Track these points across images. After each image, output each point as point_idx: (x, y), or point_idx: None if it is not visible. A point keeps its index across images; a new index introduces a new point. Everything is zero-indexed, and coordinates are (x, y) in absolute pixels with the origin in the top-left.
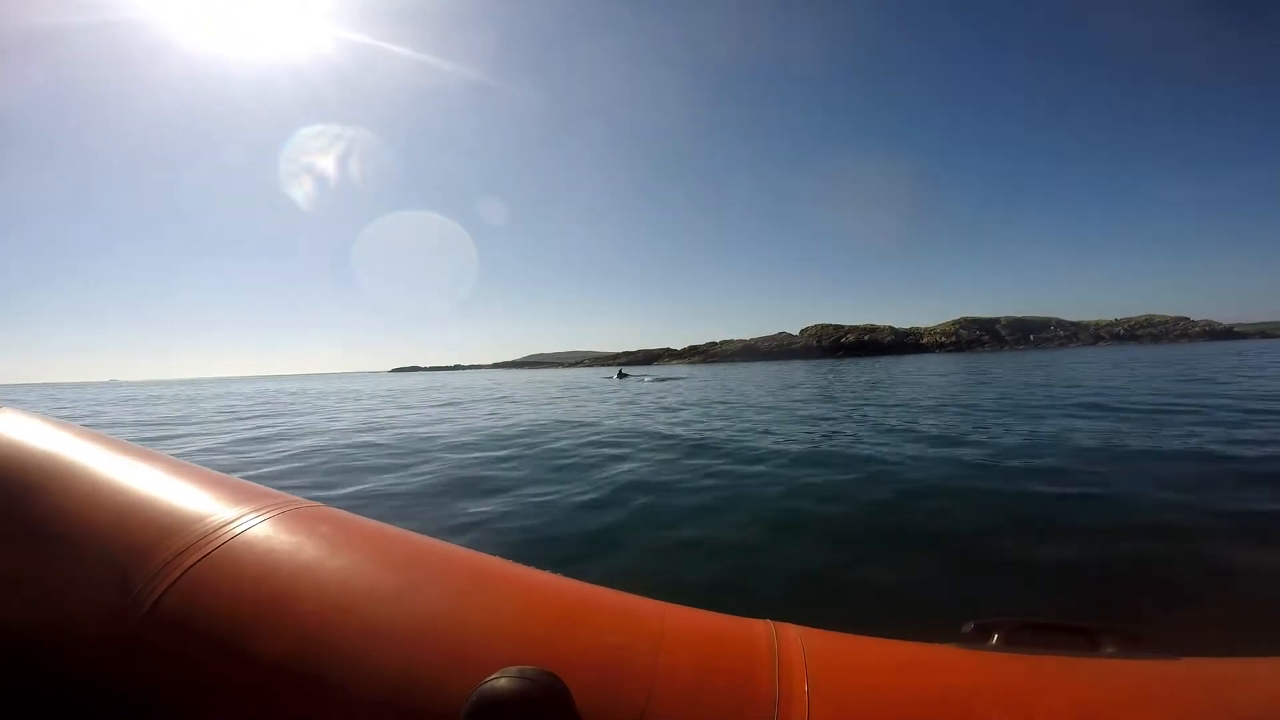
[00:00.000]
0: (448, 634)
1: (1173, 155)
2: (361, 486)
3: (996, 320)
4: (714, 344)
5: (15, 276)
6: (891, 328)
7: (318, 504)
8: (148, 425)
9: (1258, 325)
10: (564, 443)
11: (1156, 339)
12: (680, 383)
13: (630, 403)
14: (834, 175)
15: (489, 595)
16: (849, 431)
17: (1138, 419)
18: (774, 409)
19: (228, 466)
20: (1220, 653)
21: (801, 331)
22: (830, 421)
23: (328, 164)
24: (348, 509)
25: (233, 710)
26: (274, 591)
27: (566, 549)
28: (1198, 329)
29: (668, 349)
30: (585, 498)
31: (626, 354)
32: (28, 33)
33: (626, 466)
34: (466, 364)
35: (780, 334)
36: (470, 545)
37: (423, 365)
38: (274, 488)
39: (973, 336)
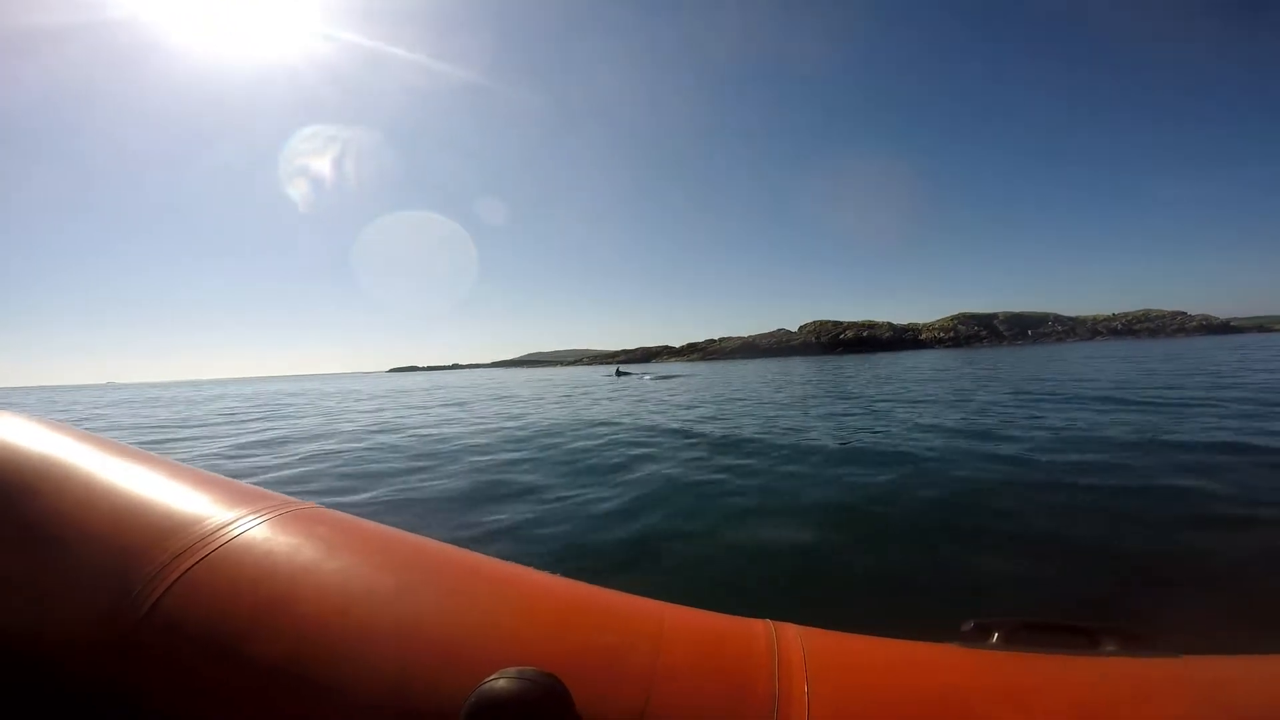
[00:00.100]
0: (446, 635)
1: (1169, 152)
2: (381, 491)
3: (994, 316)
4: (712, 341)
5: (9, 277)
6: (890, 324)
7: (316, 505)
8: (149, 429)
9: (1254, 319)
10: (585, 443)
11: (1153, 334)
12: (683, 380)
13: (642, 400)
14: (832, 174)
15: (487, 596)
16: (878, 428)
17: (1163, 412)
18: (789, 406)
19: (236, 471)
20: (1222, 651)
21: (800, 328)
22: (853, 418)
23: (324, 165)
24: (369, 515)
25: (231, 713)
26: (272, 593)
27: (610, 556)
28: (1195, 324)
29: (666, 346)
30: (620, 500)
31: (625, 352)
32: (20, 32)
33: (656, 466)
34: (464, 363)
35: (779, 331)
36: (505, 554)
37: (420, 365)
38: (287, 493)
39: (971, 332)
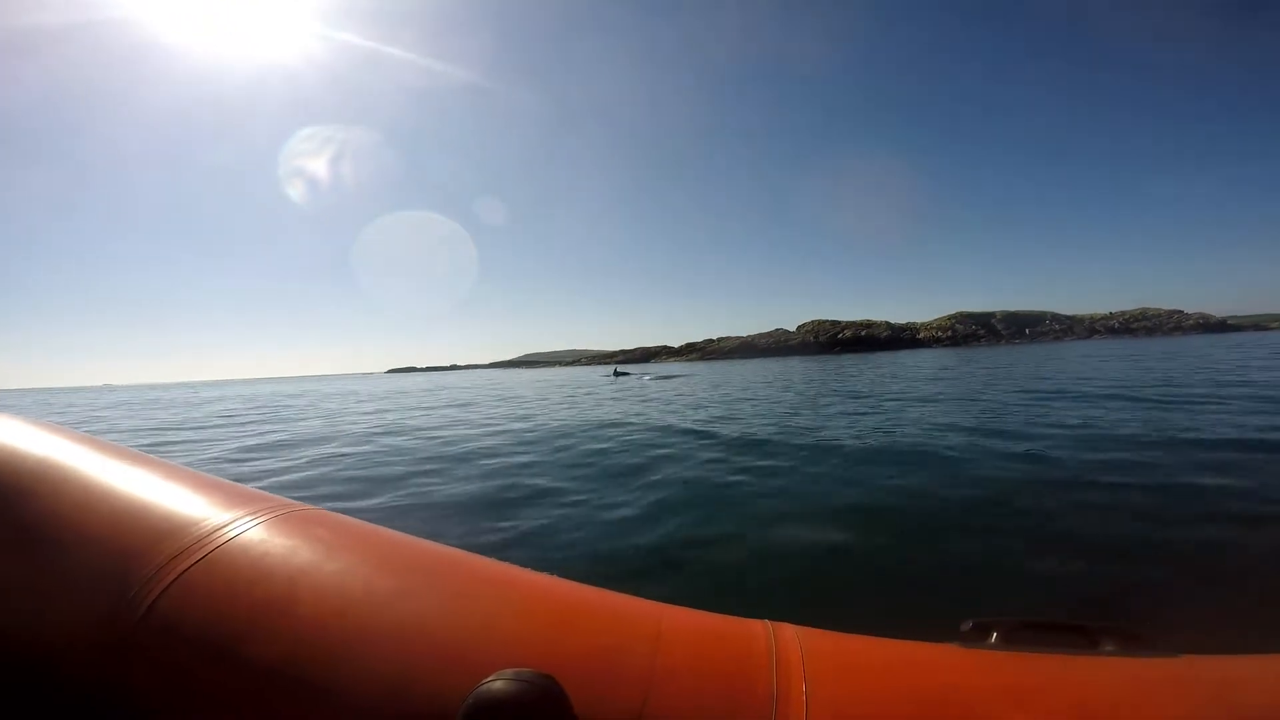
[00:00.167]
0: (444, 636)
1: (1167, 151)
2: (393, 495)
3: (992, 315)
4: (711, 341)
5: (3, 277)
6: (888, 323)
7: (313, 507)
8: (150, 431)
9: (1251, 318)
10: (599, 444)
11: (1150, 332)
12: (684, 380)
13: (649, 401)
14: (831, 173)
15: (485, 597)
16: (893, 427)
17: (1174, 409)
18: (800, 405)
19: (244, 475)
20: (1221, 650)
21: (798, 328)
22: (866, 416)
23: (322, 166)
24: (383, 520)
25: (228, 714)
26: (269, 595)
27: (635, 564)
28: (1192, 322)
29: (665, 346)
30: (642, 504)
31: (623, 352)
32: (18, 31)
33: (675, 468)
34: (463, 364)
35: (777, 330)
36: (528, 561)
37: (419, 366)
38: (296, 497)
39: (968, 331)
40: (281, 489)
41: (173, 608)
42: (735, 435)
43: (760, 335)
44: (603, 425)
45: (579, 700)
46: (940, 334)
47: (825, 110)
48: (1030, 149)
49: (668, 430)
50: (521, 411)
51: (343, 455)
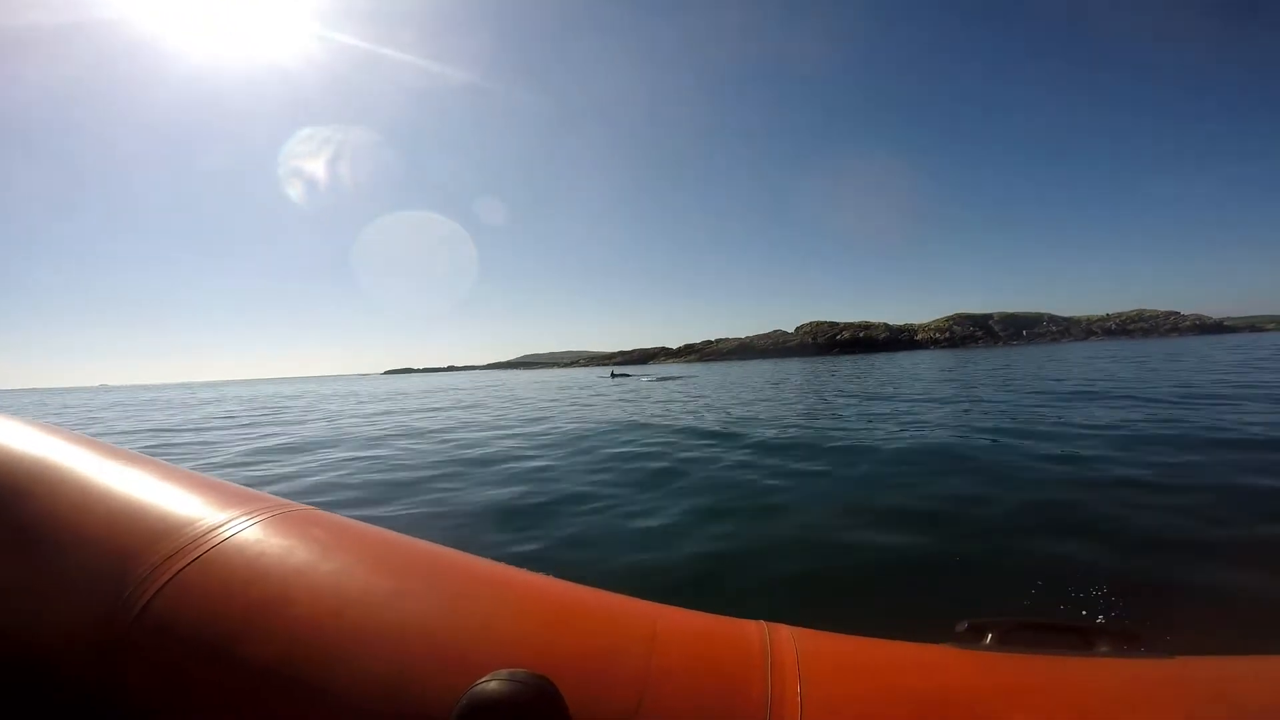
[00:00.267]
0: (439, 636)
1: (1164, 150)
2: (416, 500)
3: (989, 316)
4: (709, 342)
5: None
6: (886, 324)
7: (309, 507)
8: (152, 434)
9: (1247, 319)
10: (623, 448)
11: (1147, 333)
12: (688, 382)
13: (661, 402)
14: (829, 173)
15: (481, 597)
16: (920, 427)
17: (1198, 409)
18: (817, 407)
19: (257, 480)
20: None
21: (796, 329)
22: (889, 418)
23: (321, 166)
24: (411, 528)
25: (223, 714)
26: (264, 595)
27: (680, 575)
28: (1188, 323)
29: (663, 348)
30: (680, 509)
31: (622, 353)
32: (16, 31)
33: (708, 471)
34: (460, 365)
35: (775, 331)
36: (568, 573)
37: (416, 367)
38: (311, 503)
39: (966, 332)
40: (297, 495)
41: (168, 608)
42: (761, 437)
43: (759, 337)
44: (621, 427)
45: (574, 701)
46: (938, 335)
47: (825, 110)
48: (1030, 149)
49: (689, 432)
50: (532, 414)
51: (356, 459)
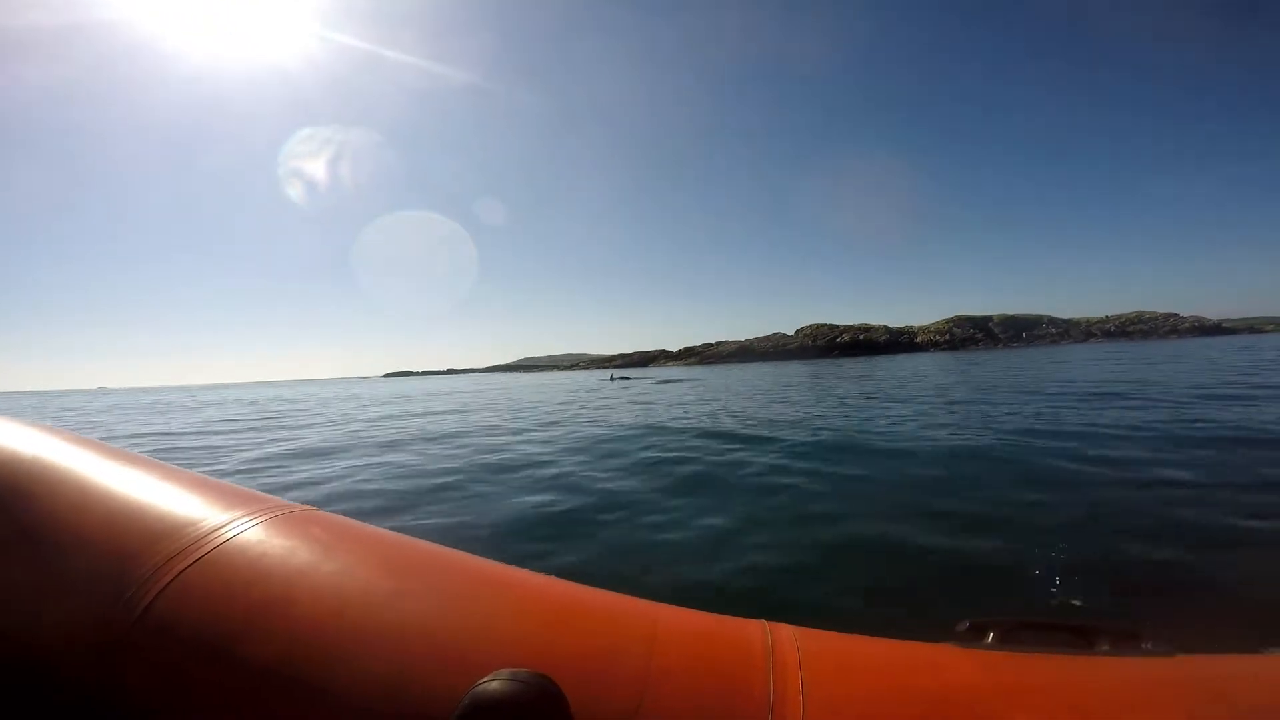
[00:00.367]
0: (440, 637)
1: (1161, 151)
2: (446, 508)
3: (989, 318)
4: (709, 345)
5: None
6: (886, 327)
7: (310, 508)
8: (153, 438)
9: (1246, 320)
10: (652, 453)
11: (1146, 335)
12: (693, 384)
13: (675, 405)
14: (829, 174)
15: (482, 597)
16: (952, 429)
17: (1215, 408)
18: (841, 410)
19: (274, 487)
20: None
21: (797, 331)
22: (910, 419)
23: (320, 167)
24: (442, 539)
25: (225, 715)
26: (266, 595)
27: (746, 583)
28: (1187, 325)
29: (663, 350)
30: (725, 516)
31: (621, 356)
32: (15, 32)
33: (745, 475)
34: (459, 367)
35: (775, 334)
36: (619, 585)
37: (416, 369)
38: (332, 509)
39: (966, 335)
40: (320, 502)
41: (169, 609)
42: (788, 441)
43: (759, 339)
44: (640, 431)
45: (575, 700)
46: (938, 338)
47: (824, 110)
48: (1030, 149)
49: (711, 435)
50: (545, 418)
51: (375, 465)
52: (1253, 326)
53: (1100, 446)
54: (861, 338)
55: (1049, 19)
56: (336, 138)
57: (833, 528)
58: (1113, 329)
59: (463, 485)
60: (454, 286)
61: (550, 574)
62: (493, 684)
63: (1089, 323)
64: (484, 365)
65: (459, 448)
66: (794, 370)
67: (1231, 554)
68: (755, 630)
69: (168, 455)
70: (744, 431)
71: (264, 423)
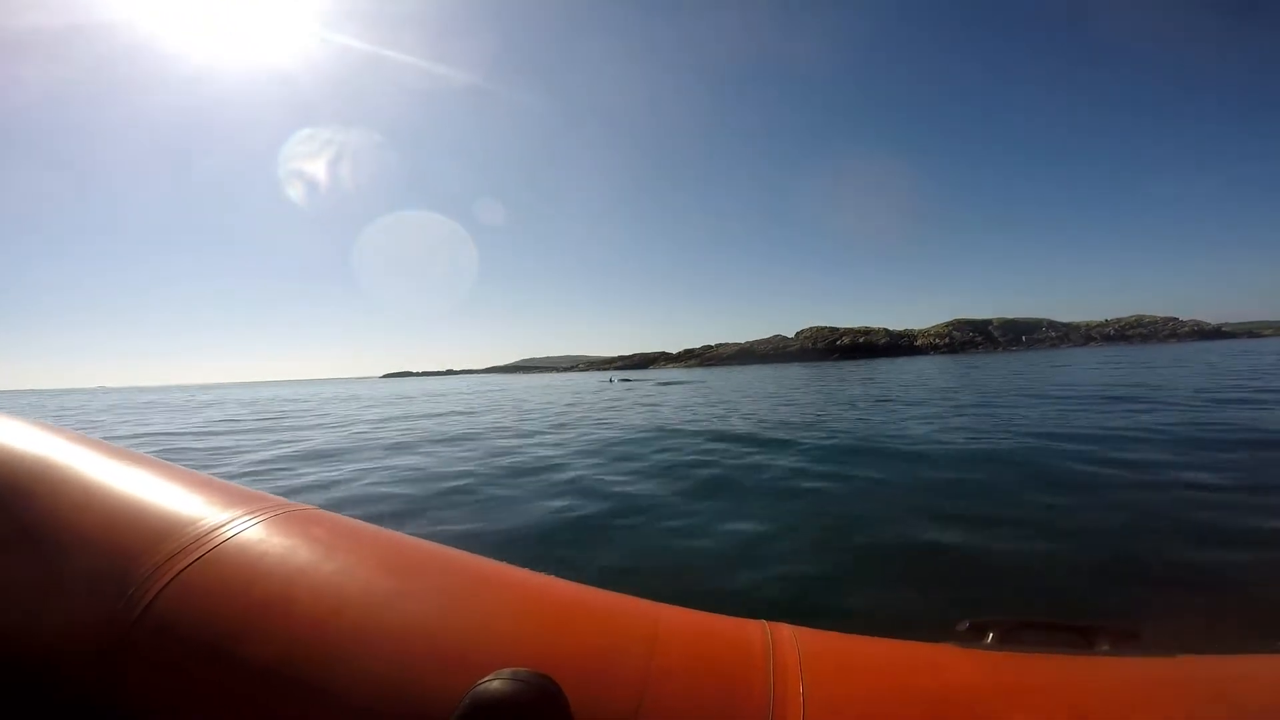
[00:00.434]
0: (441, 636)
1: (1159, 152)
2: (463, 513)
3: (989, 322)
4: (709, 347)
5: None
6: (886, 330)
7: (311, 507)
8: (156, 439)
9: (1245, 324)
10: (667, 455)
11: (1146, 339)
12: (697, 386)
13: (683, 408)
14: (828, 174)
15: (483, 597)
16: (970, 432)
17: (1226, 410)
18: (852, 413)
19: (286, 489)
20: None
21: (796, 334)
22: (924, 421)
23: (318, 168)
24: (467, 545)
25: (225, 714)
26: (267, 594)
27: (793, 592)
28: (1186, 329)
29: (663, 353)
30: (756, 520)
31: (621, 358)
32: (11, 32)
33: (768, 478)
34: (458, 368)
35: (775, 336)
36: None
37: (415, 370)
38: (350, 514)
39: (966, 338)
40: (335, 505)
41: (170, 608)
42: (806, 443)
43: (759, 341)
44: (652, 434)
45: (576, 700)
46: (938, 341)
47: (825, 110)
48: (1030, 149)
49: (726, 438)
50: (553, 419)
51: (386, 467)
52: (1251, 331)
53: (1118, 449)
54: (861, 340)
55: (1049, 19)
56: (336, 138)
57: (861, 531)
58: (1112, 333)
59: (478, 488)
60: (453, 287)
61: (555, 575)
62: (493, 684)
63: (1089, 326)
64: (483, 366)
65: (469, 450)
66: (796, 373)
67: (1269, 554)
68: (755, 630)
69: (172, 457)
70: (758, 434)
71: (266, 424)
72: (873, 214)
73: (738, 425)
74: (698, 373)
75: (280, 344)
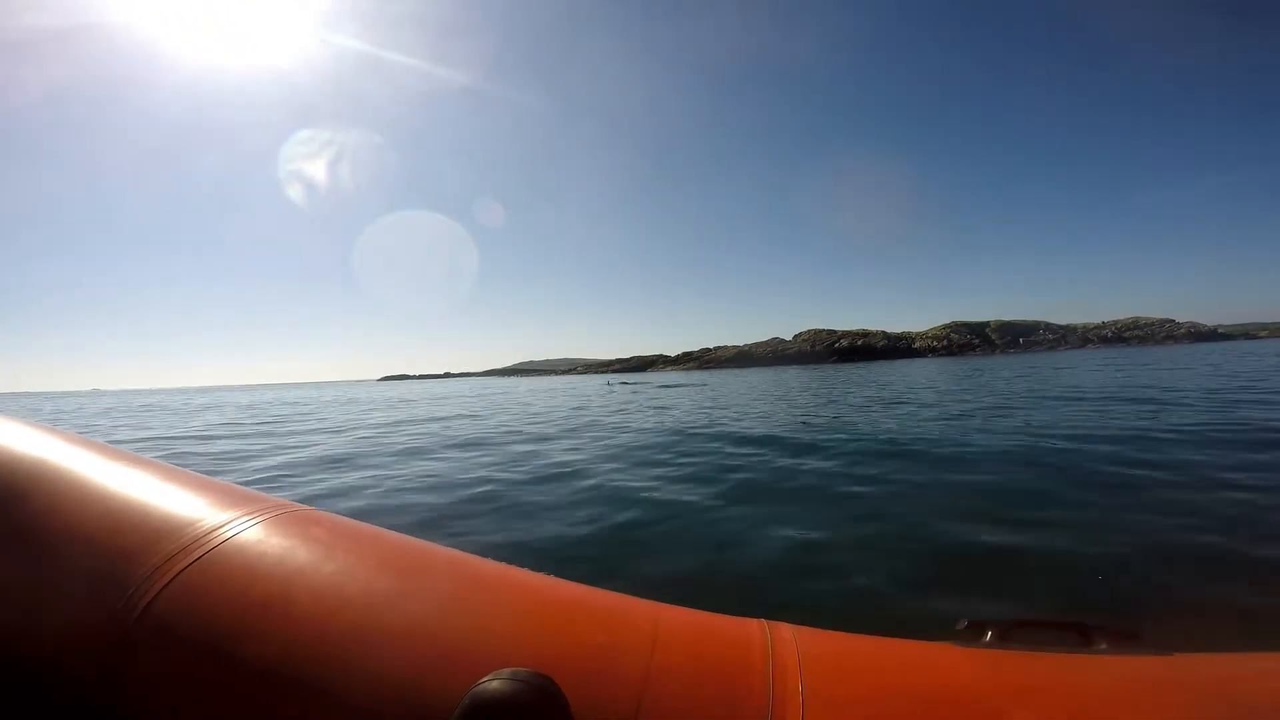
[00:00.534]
0: (441, 636)
1: (1156, 154)
2: (494, 521)
3: (986, 324)
4: (708, 350)
5: None
6: (884, 332)
7: (310, 508)
8: (160, 442)
9: (1240, 326)
10: (694, 458)
11: (1143, 341)
12: (700, 390)
13: (696, 411)
14: (826, 177)
15: (483, 597)
16: (997, 434)
17: (1246, 409)
18: (869, 416)
19: (310, 497)
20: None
21: (795, 337)
22: (951, 422)
23: (316, 169)
24: (512, 558)
25: (223, 715)
26: (266, 595)
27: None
28: (1183, 331)
29: (661, 355)
30: (802, 525)
31: (619, 360)
32: (9, 33)
33: (806, 483)
34: (456, 372)
35: (774, 339)
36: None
37: (412, 373)
38: (385, 524)
39: (964, 340)
40: (361, 514)
41: (169, 608)
42: (833, 446)
43: (757, 344)
44: (672, 438)
45: (575, 700)
46: (936, 343)
47: (824, 110)
48: (1029, 150)
49: (749, 441)
50: (566, 423)
51: (406, 473)
52: (1247, 333)
53: (1154, 450)
54: (860, 343)
55: (1049, 19)
56: (336, 139)
57: (925, 536)
58: (1110, 335)
59: (504, 494)
60: (453, 287)
61: (548, 573)
62: (492, 684)
63: (1086, 328)
64: (480, 369)
65: (485, 455)
66: (796, 375)
67: None
68: (755, 629)
69: (177, 463)
70: (780, 436)
71: (269, 427)
72: (871, 214)
73: (755, 428)
74: (697, 375)
75: (275, 347)
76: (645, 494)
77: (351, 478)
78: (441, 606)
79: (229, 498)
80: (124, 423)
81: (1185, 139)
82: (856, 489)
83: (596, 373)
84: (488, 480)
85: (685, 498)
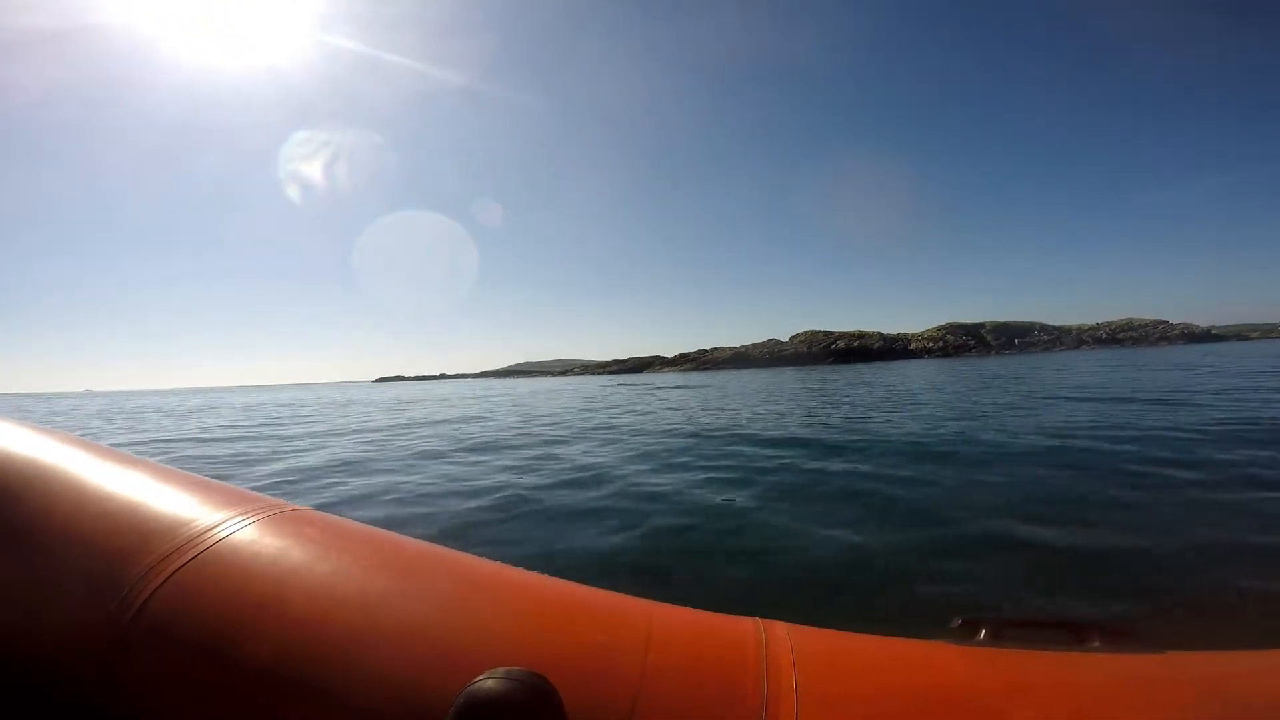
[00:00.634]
0: (435, 636)
1: (1155, 155)
2: (525, 526)
3: (981, 325)
4: (705, 351)
5: None
6: (880, 334)
7: (305, 507)
8: (162, 444)
9: (1233, 327)
10: (726, 461)
11: (1137, 342)
12: (703, 391)
13: (709, 412)
14: (824, 178)
15: (477, 596)
16: (1017, 433)
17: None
18: (886, 416)
19: (329, 504)
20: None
21: (791, 338)
22: (967, 421)
23: (313, 170)
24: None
25: (218, 714)
26: (260, 595)
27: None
28: (1177, 332)
29: (658, 356)
30: (867, 526)
31: (616, 362)
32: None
33: (845, 485)
34: (451, 373)
35: (770, 340)
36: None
37: (408, 375)
38: (411, 534)
39: (959, 341)
40: (391, 524)
41: (164, 608)
42: (861, 446)
43: (754, 345)
44: (692, 439)
45: (570, 699)
46: (931, 345)
47: (823, 110)
48: (1029, 150)
49: (770, 443)
50: (579, 424)
51: (420, 479)
52: (1240, 334)
53: (1183, 450)
54: (856, 344)
55: (1049, 19)
56: (334, 139)
57: (985, 537)
58: (1104, 336)
59: (529, 499)
60: (453, 287)
61: (542, 572)
62: (487, 683)
63: (1080, 330)
64: (476, 371)
65: (502, 458)
66: (797, 376)
67: None
68: (749, 628)
69: (189, 468)
70: (801, 437)
71: (270, 429)
72: (870, 214)
73: (772, 429)
74: (695, 377)
75: (274, 347)
76: (678, 497)
77: (371, 483)
78: (436, 606)
79: (223, 497)
80: (120, 425)
81: (1185, 139)
82: (899, 490)
83: (593, 374)
84: (509, 485)
85: (725, 501)
